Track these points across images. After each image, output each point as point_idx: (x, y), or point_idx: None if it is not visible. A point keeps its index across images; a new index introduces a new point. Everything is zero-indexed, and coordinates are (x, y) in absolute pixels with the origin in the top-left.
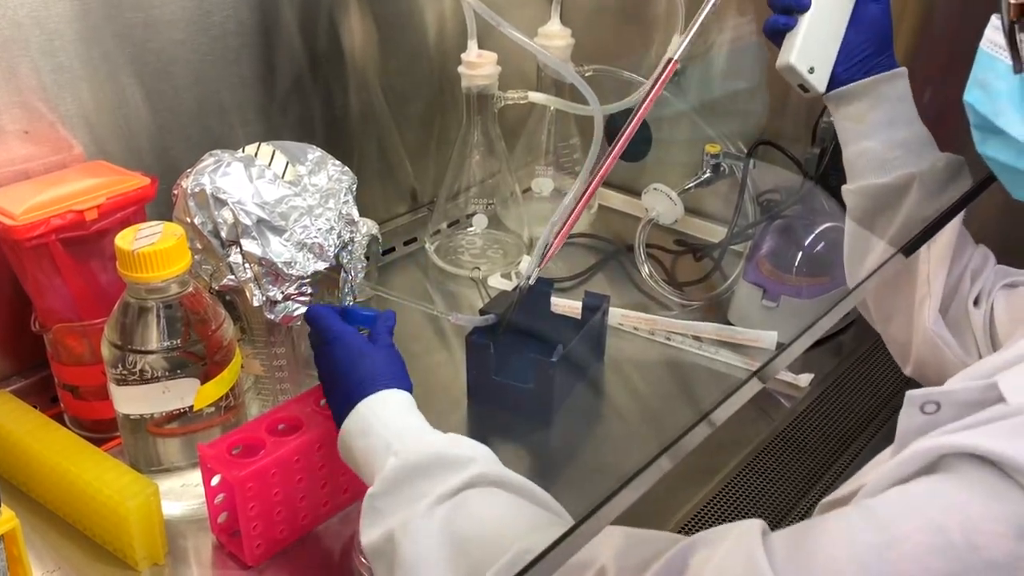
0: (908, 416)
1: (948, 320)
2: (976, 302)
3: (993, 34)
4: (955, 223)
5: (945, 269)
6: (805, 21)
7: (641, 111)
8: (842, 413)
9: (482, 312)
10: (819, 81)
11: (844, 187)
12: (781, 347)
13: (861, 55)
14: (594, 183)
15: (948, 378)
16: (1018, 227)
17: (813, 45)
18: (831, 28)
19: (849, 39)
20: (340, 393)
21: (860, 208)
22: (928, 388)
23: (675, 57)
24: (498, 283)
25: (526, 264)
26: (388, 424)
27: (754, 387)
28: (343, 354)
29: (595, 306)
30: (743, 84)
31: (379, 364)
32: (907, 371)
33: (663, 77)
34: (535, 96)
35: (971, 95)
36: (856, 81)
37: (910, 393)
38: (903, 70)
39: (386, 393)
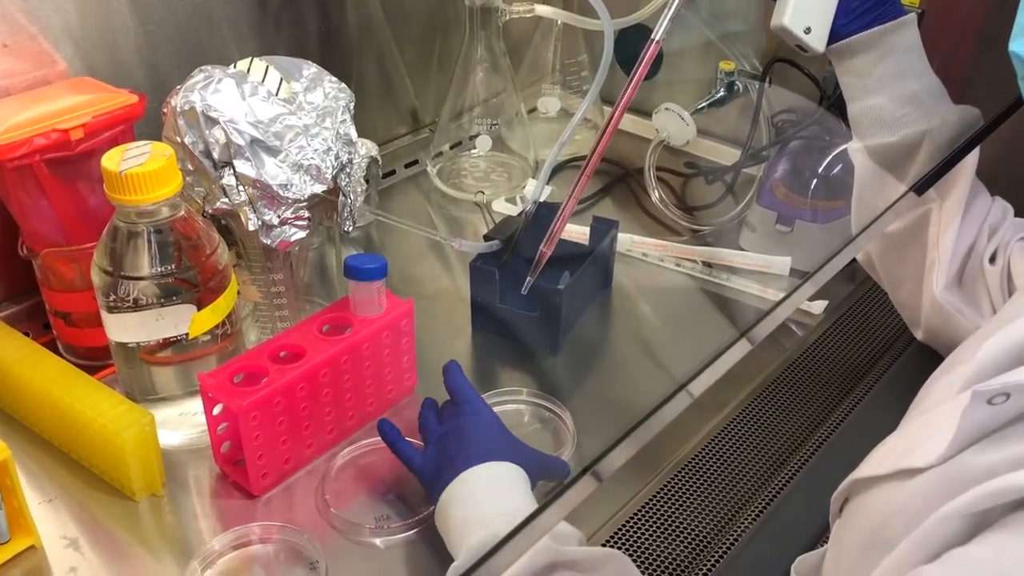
0: (974, 411)
1: (964, 280)
2: (993, 258)
3: None
4: (965, 181)
5: (954, 231)
6: None
7: (625, 99)
8: (856, 341)
9: (486, 238)
10: (817, 40)
11: (850, 146)
12: (769, 309)
13: (863, 5)
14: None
15: (961, 341)
16: None
17: (808, 2)
18: None
19: None
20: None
21: (868, 168)
22: (999, 380)
23: (657, 38)
24: (503, 207)
25: (532, 188)
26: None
27: (743, 348)
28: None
29: (603, 231)
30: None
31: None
32: (918, 336)
33: (646, 59)
34: (542, 9)
35: (1017, 44)
36: (859, 33)
37: (978, 388)
38: (912, 16)
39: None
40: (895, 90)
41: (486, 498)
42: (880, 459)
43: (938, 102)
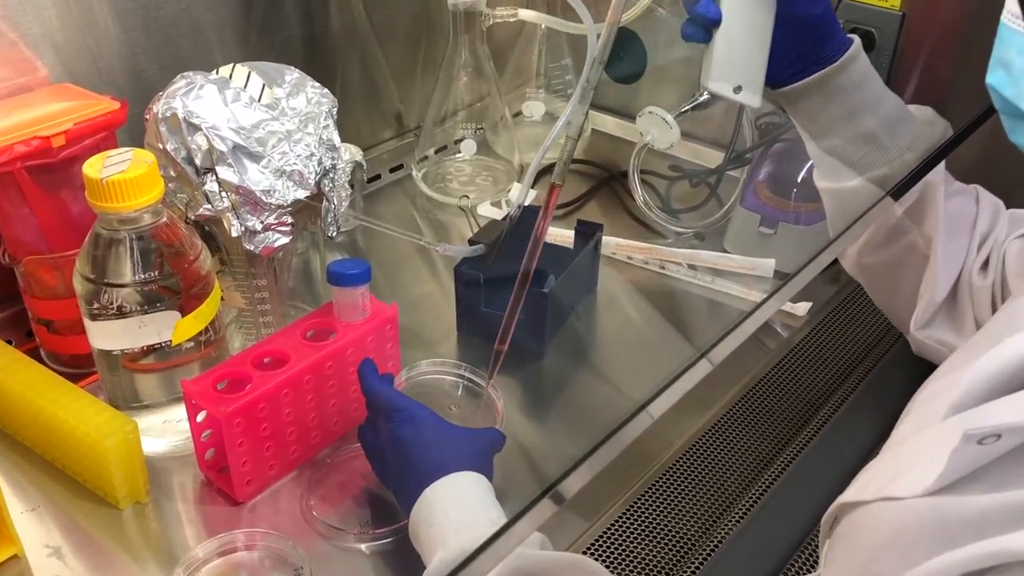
0: (964, 451)
1: (957, 300)
2: (986, 263)
3: (1012, 4)
4: (936, 200)
5: (936, 262)
6: (720, 37)
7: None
8: (840, 342)
9: (471, 242)
10: (750, 97)
11: (817, 183)
12: (725, 332)
13: (794, 52)
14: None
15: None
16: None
17: (734, 60)
18: (754, 34)
19: (780, 37)
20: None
21: (835, 208)
22: (990, 420)
23: (557, 183)
24: (488, 212)
25: (516, 192)
26: (449, 514)
27: (703, 369)
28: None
29: (588, 235)
30: None
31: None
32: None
33: (550, 203)
34: (525, 14)
35: (993, 76)
36: (799, 80)
37: (969, 431)
38: (856, 48)
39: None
40: (850, 130)
41: (449, 516)
42: (864, 483)
43: (898, 134)
